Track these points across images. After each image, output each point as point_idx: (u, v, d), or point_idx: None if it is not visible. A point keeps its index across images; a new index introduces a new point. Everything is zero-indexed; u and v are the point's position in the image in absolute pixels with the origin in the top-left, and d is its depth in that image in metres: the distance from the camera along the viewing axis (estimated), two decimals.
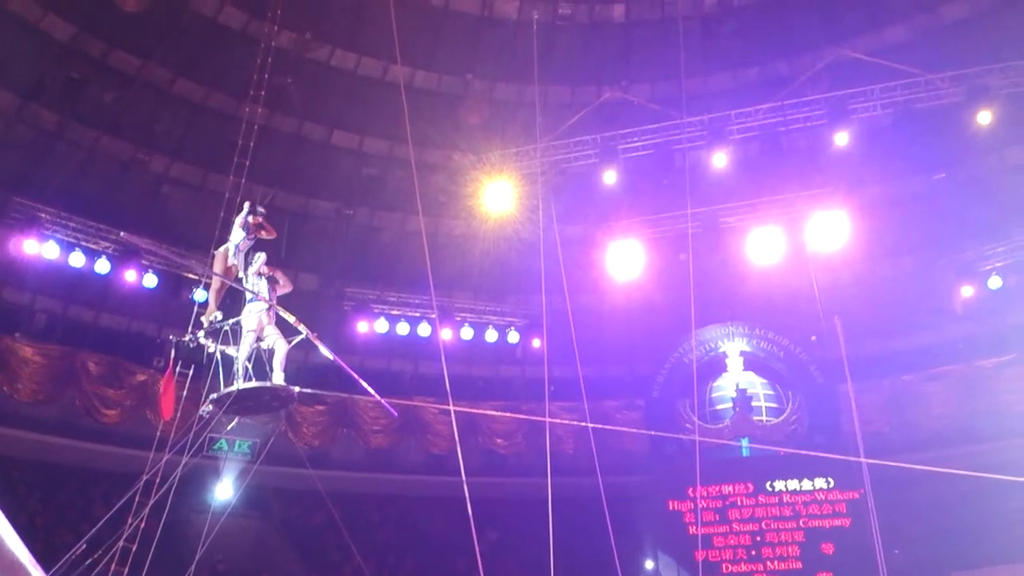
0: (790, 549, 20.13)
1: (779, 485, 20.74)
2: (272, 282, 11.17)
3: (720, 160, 19.79)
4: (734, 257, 21.78)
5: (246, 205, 11.56)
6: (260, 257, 11.16)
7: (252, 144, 13.71)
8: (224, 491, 17.53)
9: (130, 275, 20.26)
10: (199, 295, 15.97)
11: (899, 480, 16.55)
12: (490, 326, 23.78)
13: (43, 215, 19.31)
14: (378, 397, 12.01)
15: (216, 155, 18.73)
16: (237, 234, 11.39)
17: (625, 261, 21.48)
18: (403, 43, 12.91)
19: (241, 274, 11.31)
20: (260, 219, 11.45)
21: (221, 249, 11.42)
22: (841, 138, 19.14)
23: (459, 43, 22.11)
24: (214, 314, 11.14)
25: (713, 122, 19.72)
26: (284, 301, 11.24)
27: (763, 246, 21.07)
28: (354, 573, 21.15)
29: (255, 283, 10.99)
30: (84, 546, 10.97)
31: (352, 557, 20.80)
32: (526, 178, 20.26)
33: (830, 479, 20.37)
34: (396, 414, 18.77)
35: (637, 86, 22.07)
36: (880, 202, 21.52)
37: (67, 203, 19.78)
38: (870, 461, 14.44)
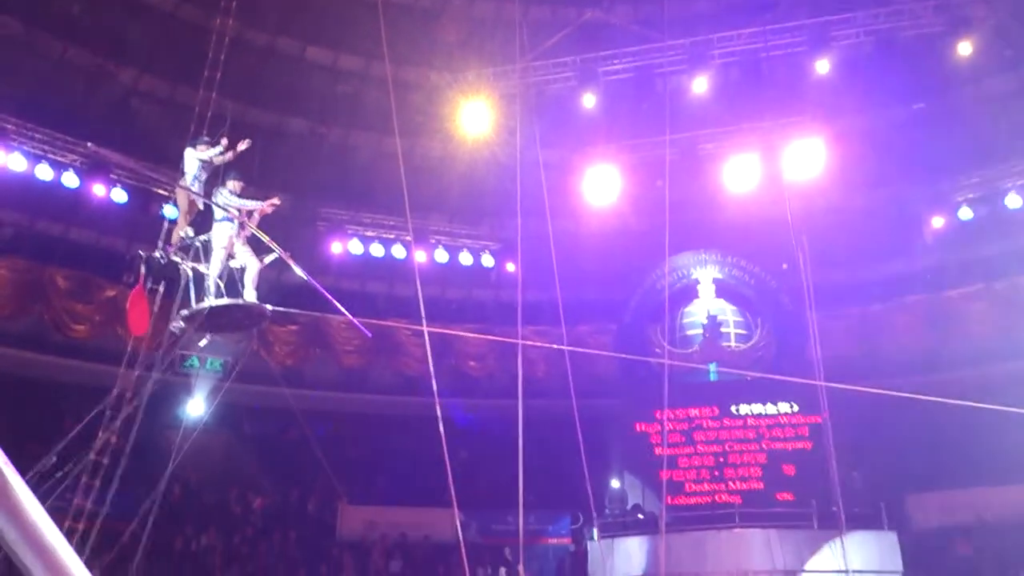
0: (752, 470, 20.62)
1: (744, 409, 21.13)
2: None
3: (700, 85, 19.63)
4: (711, 184, 21.75)
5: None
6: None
7: (223, 57, 13.36)
8: (196, 408, 17.56)
9: (99, 189, 19.91)
10: (169, 211, 15.72)
11: (865, 406, 16.89)
12: (464, 249, 23.77)
13: (8, 126, 18.85)
14: (351, 317, 11.99)
15: (186, 68, 18.25)
16: (191, 164, 11.19)
17: (602, 186, 21.43)
18: None
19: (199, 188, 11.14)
20: (207, 147, 11.27)
21: (181, 182, 11.24)
22: (822, 65, 19.04)
23: None
24: (184, 230, 11.00)
25: (695, 45, 19.46)
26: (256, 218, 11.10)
27: (740, 174, 21.09)
28: (325, 488, 21.47)
29: (227, 201, 10.79)
30: (54, 459, 11.00)
31: (324, 473, 21.10)
32: (504, 99, 19.98)
33: (794, 404, 20.75)
34: (369, 334, 18.78)
35: (619, 7, 21.61)
36: (858, 132, 21.46)
37: (34, 115, 19.28)
38: (831, 385, 14.72)
